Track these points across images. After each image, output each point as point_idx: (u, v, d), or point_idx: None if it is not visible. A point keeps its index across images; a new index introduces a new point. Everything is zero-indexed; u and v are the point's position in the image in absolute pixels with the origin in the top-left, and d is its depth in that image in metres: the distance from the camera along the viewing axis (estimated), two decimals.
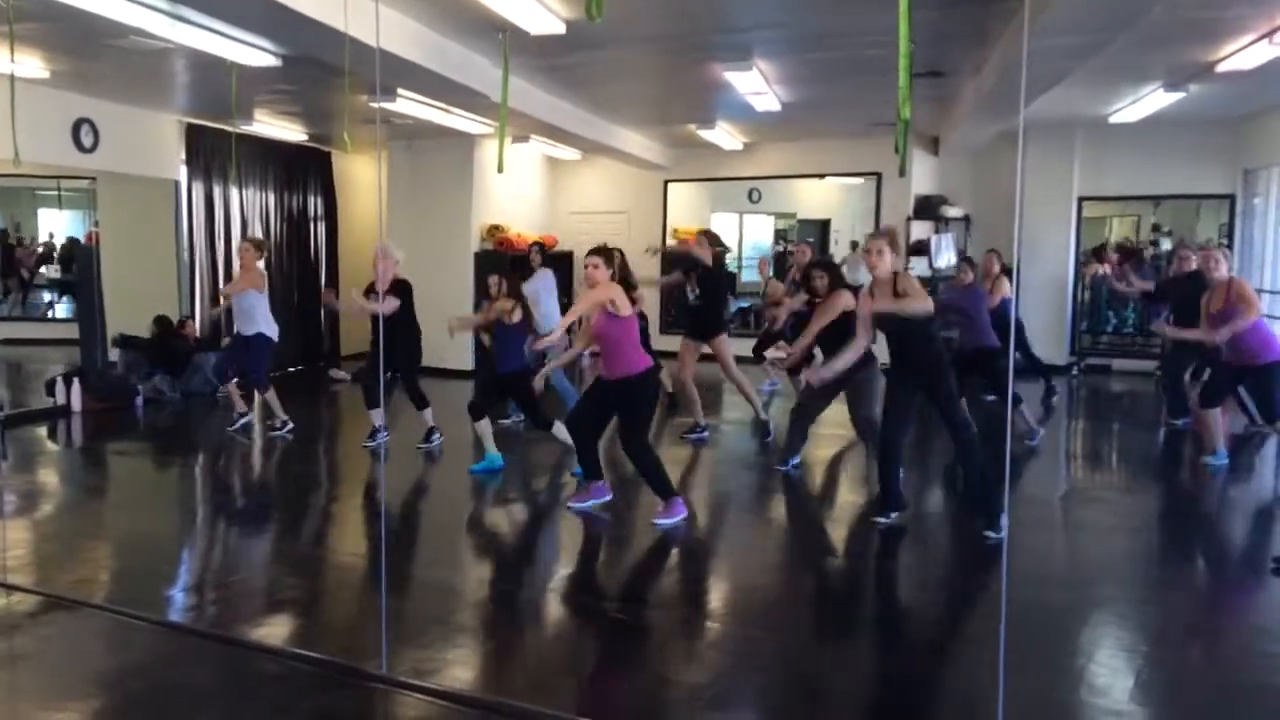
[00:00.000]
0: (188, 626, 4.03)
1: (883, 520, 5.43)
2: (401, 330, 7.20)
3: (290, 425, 7.95)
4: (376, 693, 3.45)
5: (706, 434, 7.79)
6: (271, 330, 7.97)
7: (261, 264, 7.95)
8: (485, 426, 6.70)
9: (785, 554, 5.24)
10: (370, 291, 7.24)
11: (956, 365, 7.26)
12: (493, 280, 6.94)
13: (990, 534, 5.08)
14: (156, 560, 5.06)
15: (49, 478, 6.99)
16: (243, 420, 8.00)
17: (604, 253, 5.49)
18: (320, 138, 11.39)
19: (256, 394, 8.26)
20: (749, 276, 15.50)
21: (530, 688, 3.55)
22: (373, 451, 7.30)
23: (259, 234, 11.07)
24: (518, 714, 3.25)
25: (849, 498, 6.46)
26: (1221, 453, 6.84)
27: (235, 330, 8.11)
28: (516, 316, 6.55)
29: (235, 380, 8.14)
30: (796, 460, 6.74)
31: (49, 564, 4.91)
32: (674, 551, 5.32)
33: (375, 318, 7.15)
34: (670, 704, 3.47)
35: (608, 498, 5.78)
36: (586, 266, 5.45)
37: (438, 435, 7.43)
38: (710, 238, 7.61)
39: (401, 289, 7.22)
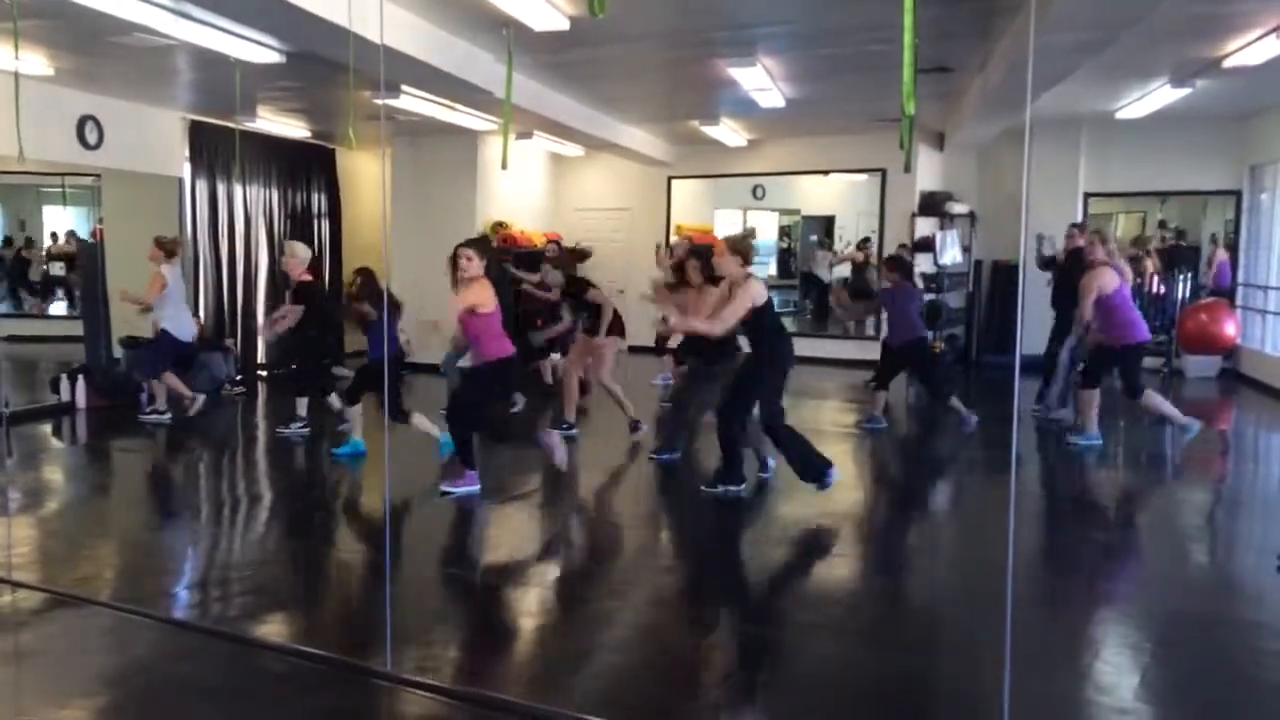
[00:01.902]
0: (192, 623, 4.03)
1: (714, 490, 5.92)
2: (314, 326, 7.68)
3: (169, 416, 8.14)
4: (381, 690, 3.45)
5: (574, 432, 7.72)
6: (171, 327, 8.12)
7: (165, 265, 8.04)
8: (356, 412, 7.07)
9: (785, 551, 5.22)
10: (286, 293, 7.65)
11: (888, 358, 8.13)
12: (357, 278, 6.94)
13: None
14: (160, 557, 5.08)
15: (54, 475, 6.99)
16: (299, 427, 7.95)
17: (478, 244, 5.87)
18: (324, 134, 11.39)
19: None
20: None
21: (535, 685, 3.55)
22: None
23: (262, 232, 11.09)
24: (523, 711, 3.25)
25: (848, 495, 6.45)
26: (1094, 435, 7.25)
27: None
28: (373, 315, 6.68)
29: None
30: (676, 454, 6.82)
31: (54, 561, 4.91)
32: (674, 549, 5.32)
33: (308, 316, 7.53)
34: (675, 701, 3.46)
35: (476, 488, 5.99)
36: (459, 259, 5.65)
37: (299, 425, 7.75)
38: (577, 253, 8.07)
39: (310, 289, 7.62)
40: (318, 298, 7.72)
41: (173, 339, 8.09)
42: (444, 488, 5.96)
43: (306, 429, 7.70)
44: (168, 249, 8.12)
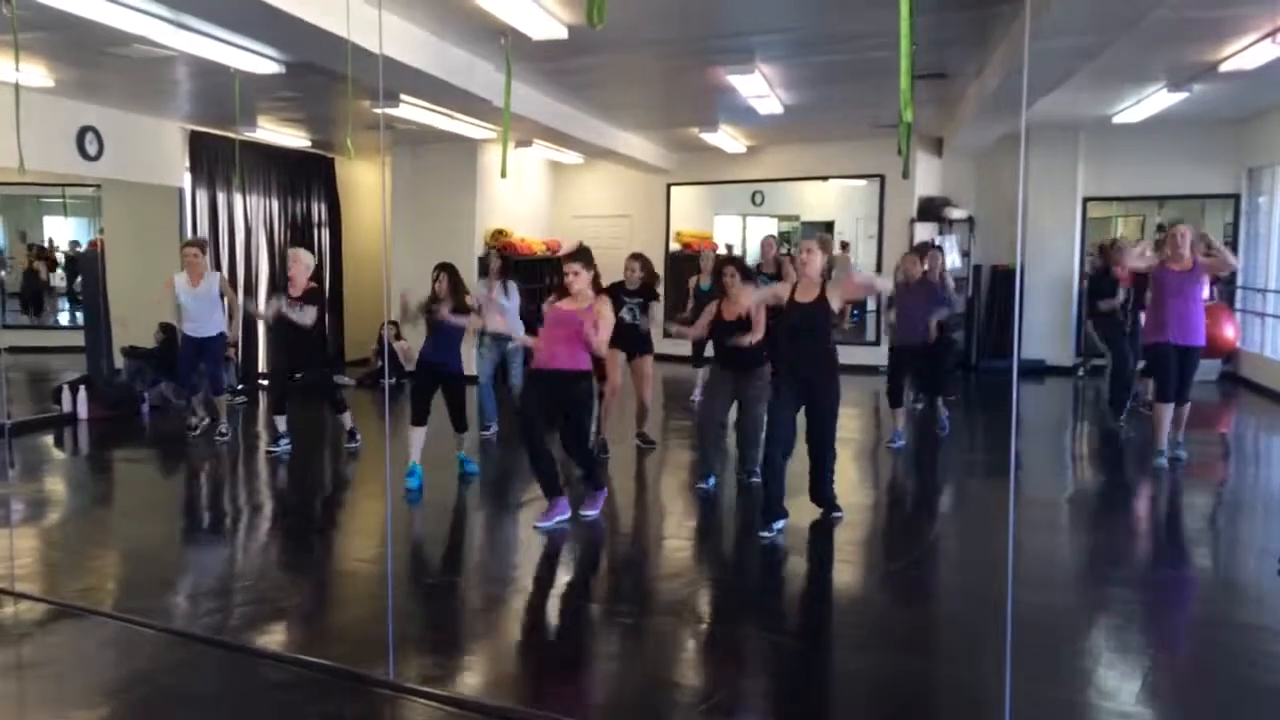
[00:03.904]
0: (194, 633, 4.03)
1: (767, 535, 5.28)
2: (316, 334, 7.52)
3: (200, 429, 8.10)
4: (383, 699, 3.45)
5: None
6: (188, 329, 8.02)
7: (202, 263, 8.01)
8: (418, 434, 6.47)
9: (784, 558, 5.22)
10: (282, 295, 7.34)
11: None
12: (440, 279, 6.52)
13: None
14: (163, 567, 5.07)
15: (56, 485, 7.00)
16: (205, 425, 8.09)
17: (582, 256, 5.49)
18: (323, 144, 11.41)
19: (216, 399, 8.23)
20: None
21: (537, 694, 3.55)
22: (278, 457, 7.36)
23: (263, 241, 11.11)
24: None
25: (844, 499, 6.45)
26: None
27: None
28: (444, 313, 6.35)
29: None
30: (712, 480, 6.35)
31: (56, 572, 4.92)
32: (674, 557, 5.31)
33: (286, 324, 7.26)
34: (675, 708, 3.46)
35: (568, 514, 5.56)
36: (566, 274, 5.44)
37: (359, 437, 7.61)
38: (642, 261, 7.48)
39: (318, 295, 7.43)
40: (323, 306, 7.61)
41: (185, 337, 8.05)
42: (585, 511, 5.58)
43: (289, 444, 7.50)
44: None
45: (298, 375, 7.63)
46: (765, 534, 5.29)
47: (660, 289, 7.59)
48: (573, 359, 5.40)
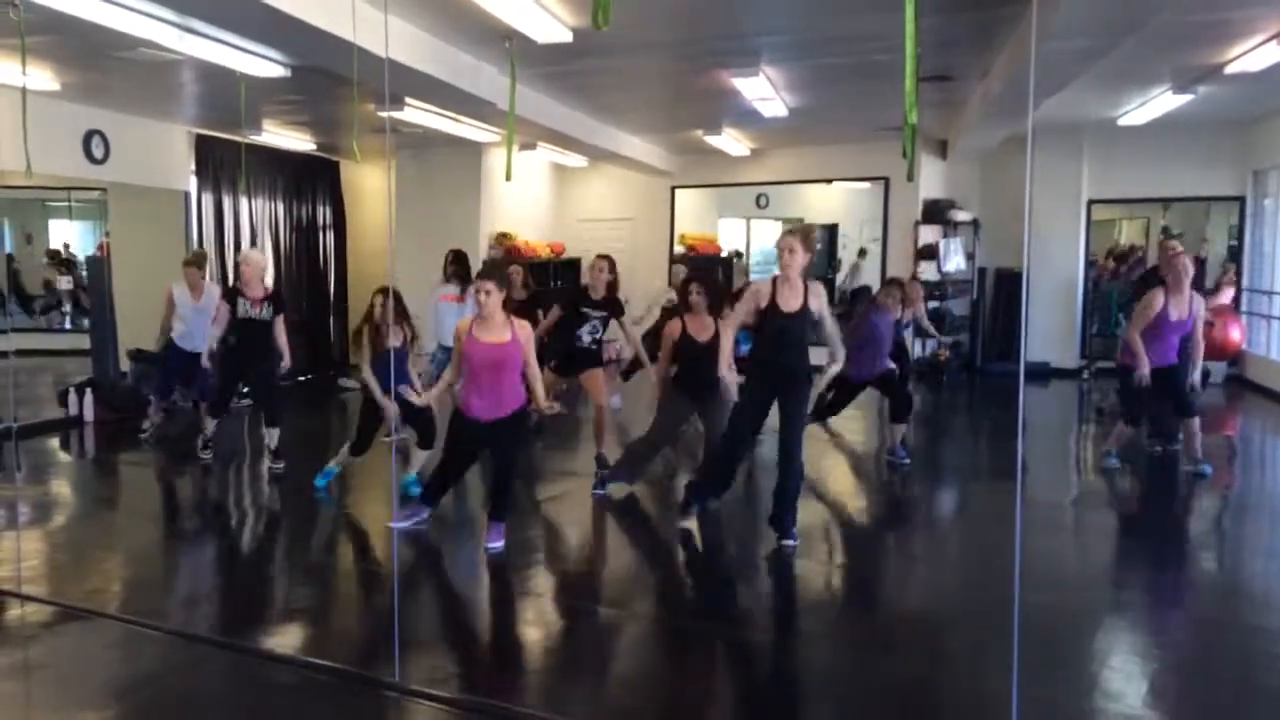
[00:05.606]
0: (200, 635, 4.04)
1: (686, 521, 5.48)
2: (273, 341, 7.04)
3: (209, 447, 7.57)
4: (389, 701, 3.45)
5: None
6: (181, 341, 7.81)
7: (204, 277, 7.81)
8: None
9: (792, 561, 5.21)
10: (238, 297, 6.89)
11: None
12: (376, 300, 5.97)
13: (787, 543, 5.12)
14: (168, 570, 5.09)
15: (62, 488, 7.01)
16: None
17: (495, 274, 4.98)
18: (328, 147, 11.44)
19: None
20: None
21: (542, 695, 3.55)
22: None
23: (268, 244, 11.12)
24: None
25: (851, 503, 6.45)
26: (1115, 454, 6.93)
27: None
28: (395, 341, 5.77)
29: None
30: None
31: (62, 574, 4.92)
32: (682, 560, 5.32)
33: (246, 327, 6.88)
34: (681, 709, 3.46)
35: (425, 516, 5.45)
36: (479, 293, 4.86)
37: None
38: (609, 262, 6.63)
39: (280, 303, 7.08)
40: (286, 316, 7.13)
41: (174, 347, 7.92)
42: (491, 544, 5.15)
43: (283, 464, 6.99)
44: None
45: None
46: (683, 522, 5.50)
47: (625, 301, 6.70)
48: (515, 398, 5.06)
